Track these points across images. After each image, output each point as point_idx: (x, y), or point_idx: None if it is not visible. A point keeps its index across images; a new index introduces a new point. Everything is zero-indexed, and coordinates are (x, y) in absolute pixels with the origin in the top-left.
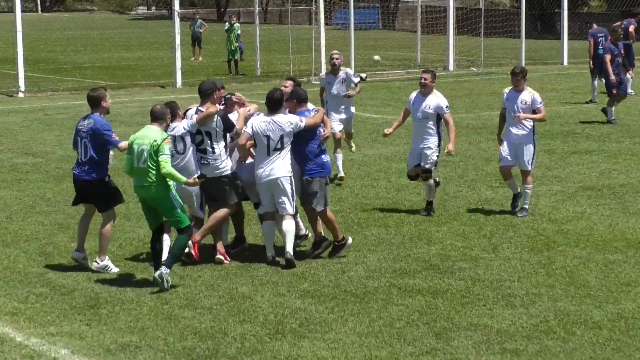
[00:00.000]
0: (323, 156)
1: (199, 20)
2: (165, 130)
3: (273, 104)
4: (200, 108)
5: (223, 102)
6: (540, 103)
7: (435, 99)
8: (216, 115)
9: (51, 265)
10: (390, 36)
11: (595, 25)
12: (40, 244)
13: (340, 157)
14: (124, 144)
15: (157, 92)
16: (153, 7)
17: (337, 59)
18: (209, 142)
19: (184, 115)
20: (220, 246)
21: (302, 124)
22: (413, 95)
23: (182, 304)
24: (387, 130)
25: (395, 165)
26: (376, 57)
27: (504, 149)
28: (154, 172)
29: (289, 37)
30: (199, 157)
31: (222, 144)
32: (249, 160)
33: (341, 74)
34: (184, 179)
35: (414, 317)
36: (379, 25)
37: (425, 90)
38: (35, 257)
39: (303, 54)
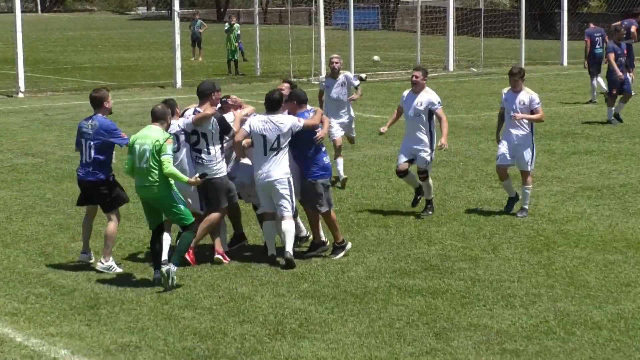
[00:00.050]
0: (324, 158)
1: (199, 21)
2: (167, 130)
3: (271, 104)
4: (198, 108)
5: (219, 104)
6: (538, 104)
7: (427, 96)
8: (213, 117)
9: (51, 266)
10: (390, 36)
11: (592, 25)
12: (40, 244)
13: (341, 161)
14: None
15: (157, 92)
16: (153, 8)
17: (336, 62)
18: (204, 142)
19: (182, 115)
20: (218, 246)
21: (301, 125)
22: (405, 93)
23: (182, 304)
24: (383, 129)
25: (395, 166)
26: (376, 58)
27: (502, 148)
28: (156, 172)
29: (289, 38)
30: (194, 156)
31: (218, 146)
32: (246, 160)
33: (341, 77)
34: (186, 178)
35: (413, 318)
36: (379, 26)
37: (416, 88)
38: (35, 257)
39: (303, 55)
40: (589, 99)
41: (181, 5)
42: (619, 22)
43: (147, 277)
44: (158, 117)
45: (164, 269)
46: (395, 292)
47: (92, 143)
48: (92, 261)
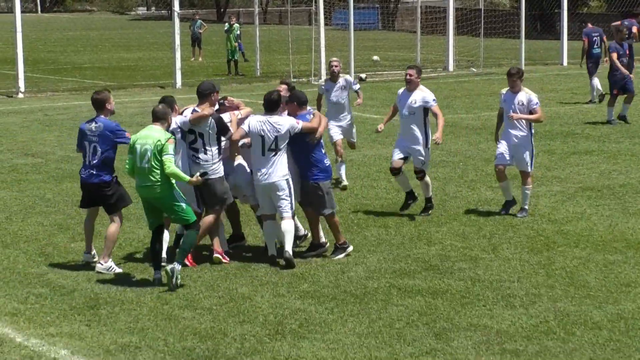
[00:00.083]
0: (325, 160)
1: (199, 21)
2: (168, 130)
3: (270, 105)
4: (196, 108)
5: (217, 106)
6: (537, 104)
7: (421, 94)
8: (211, 118)
9: (51, 266)
10: (390, 37)
11: (590, 25)
12: (40, 244)
13: (343, 167)
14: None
15: (156, 92)
16: (153, 8)
17: (336, 66)
18: (201, 142)
19: (181, 114)
20: (217, 245)
21: (299, 127)
22: (400, 91)
23: (182, 305)
24: (380, 127)
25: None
26: (375, 58)
27: (501, 148)
28: (157, 171)
29: (289, 38)
30: (190, 155)
31: (216, 147)
32: (241, 161)
33: (340, 81)
34: (187, 177)
35: (413, 318)
36: (379, 26)
37: (410, 87)
38: (35, 257)
39: (303, 55)
40: (589, 99)
41: (181, 6)
42: (619, 22)
43: (147, 277)
44: (159, 117)
45: (168, 267)
46: (395, 293)
47: (96, 145)
48: (95, 260)
